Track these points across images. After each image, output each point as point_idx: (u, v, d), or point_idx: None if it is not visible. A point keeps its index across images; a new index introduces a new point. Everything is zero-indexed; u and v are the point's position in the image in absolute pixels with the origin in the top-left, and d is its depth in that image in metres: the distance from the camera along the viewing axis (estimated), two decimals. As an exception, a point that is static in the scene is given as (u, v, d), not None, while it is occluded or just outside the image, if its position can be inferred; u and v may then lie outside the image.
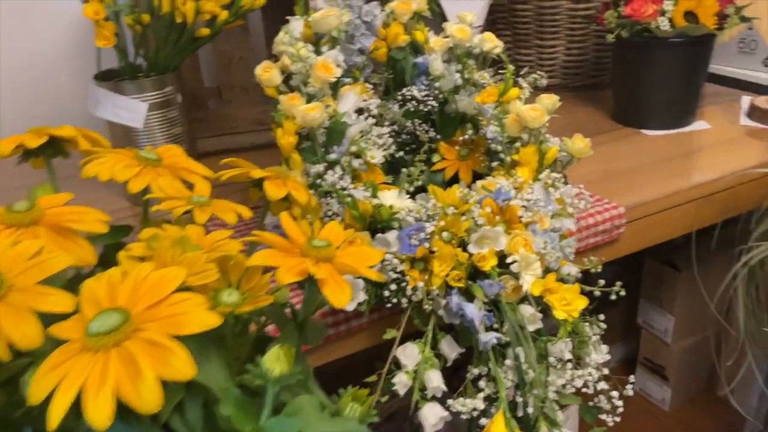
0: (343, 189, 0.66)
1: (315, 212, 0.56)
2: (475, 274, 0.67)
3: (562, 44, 1.32)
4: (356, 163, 0.69)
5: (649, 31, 1.05)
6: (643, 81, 1.11)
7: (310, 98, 0.70)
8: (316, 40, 0.76)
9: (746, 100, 1.21)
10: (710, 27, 1.03)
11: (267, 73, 0.74)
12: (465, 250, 0.67)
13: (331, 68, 0.69)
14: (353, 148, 0.70)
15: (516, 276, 0.66)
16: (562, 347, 0.66)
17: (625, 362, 1.55)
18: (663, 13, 1.04)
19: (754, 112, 1.14)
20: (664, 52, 1.07)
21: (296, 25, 0.77)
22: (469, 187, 0.78)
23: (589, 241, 0.87)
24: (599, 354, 0.68)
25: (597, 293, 0.70)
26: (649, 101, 1.13)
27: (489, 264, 0.66)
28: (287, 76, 0.75)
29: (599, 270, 0.73)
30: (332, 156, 0.68)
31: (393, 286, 0.66)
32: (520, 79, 0.82)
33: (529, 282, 0.66)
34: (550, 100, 0.77)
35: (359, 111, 0.79)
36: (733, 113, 1.19)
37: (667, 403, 1.38)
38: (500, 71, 0.83)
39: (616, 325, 1.48)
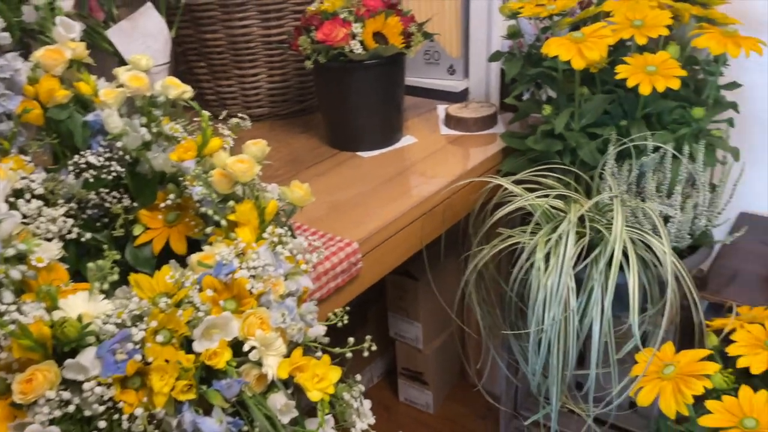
0: (0, 315, 0.48)
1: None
2: (209, 375, 0.55)
3: (264, 72, 1.26)
4: (17, 272, 0.51)
5: (345, 55, 1.04)
6: (349, 104, 1.10)
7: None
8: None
9: (442, 109, 1.29)
10: (399, 46, 1.06)
11: None
12: (190, 349, 0.54)
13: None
14: (10, 252, 0.52)
15: (258, 363, 0.56)
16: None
17: (386, 375, 1.57)
18: (354, 36, 1.04)
19: (450, 121, 1.21)
20: (362, 75, 1.07)
21: None
22: (183, 262, 0.65)
23: (330, 285, 0.81)
24: (364, 419, 0.62)
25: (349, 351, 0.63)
26: (358, 124, 1.12)
27: (222, 360, 0.54)
28: None
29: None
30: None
31: (102, 423, 0.50)
32: (221, 125, 0.72)
33: (274, 366, 0.56)
34: (258, 146, 0.69)
35: (17, 194, 0.61)
36: (433, 123, 1.25)
37: (431, 405, 1.43)
38: (195, 119, 0.72)
39: (373, 341, 1.48)
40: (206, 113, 0.69)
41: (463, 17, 1.35)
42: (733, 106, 1.00)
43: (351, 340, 0.64)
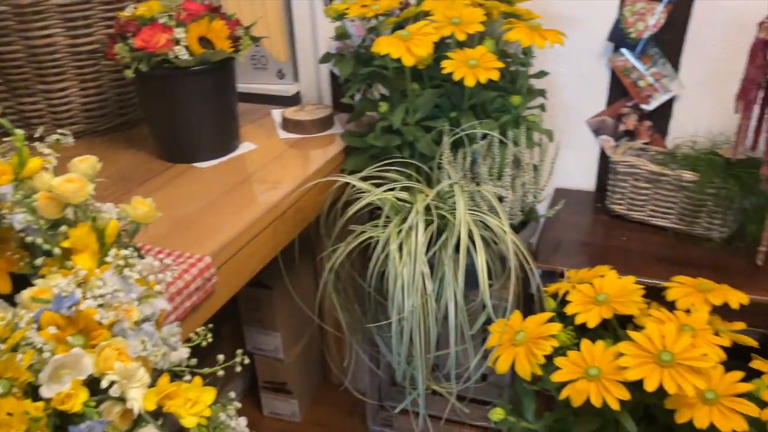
0: None
1: None
2: (64, 421, 0.49)
3: (74, 85, 1.14)
4: None
5: (170, 62, 0.98)
6: (180, 114, 1.04)
7: None
8: None
9: (277, 113, 1.27)
10: (228, 50, 1.03)
11: None
12: (37, 396, 0.48)
13: None
14: None
15: (120, 398, 0.51)
16: (205, 456, 0.54)
17: (247, 391, 1.51)
18: (177, 41, 0.98)
19: (287, 125, 1.20)
20: (191, 82, 1.02)
21: None
22: (11, 300, 0.57)
23: (186, 305, 0.76)
24: (244, 436, 0.60)
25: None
26: (192, 133, 1.06)
27: (78, 401, 0.49)
28: None
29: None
30: None
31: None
32: (37, 144, 0.64)
33: (139, 398, 0.52)
34: (87, 163, 0.62)
35: None
36: (270, 128, 1.23)
37: (297, 414, 1.41)
38: (4, 139, 0.63)
39: (228, 360, 1.42)
40: (20, 132, 0.61)
41: (286, 21, 1.34)
42: (542, 93, 1.11)
43: (220, 357, 0.60)
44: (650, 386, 0.71)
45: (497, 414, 0.86)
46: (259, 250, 0.92)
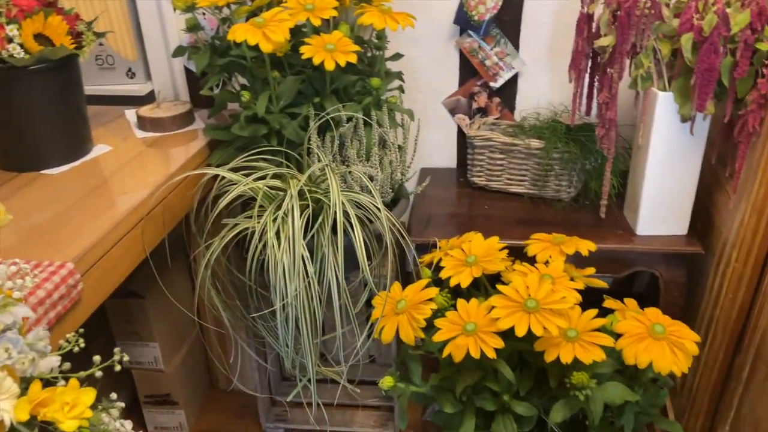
0: None
1: None
2: None
3: None
4: None
5: (4, 62, 0.90)
6: (21, 118, 0.96)
7: None
8: None
9: (132, 113, 1.21)
10: (69, 47, 0.96)
11: None
12: None
13: None
14: None
15: (-14, 413, 0.47)
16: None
17: (129, 409, 1.43)
18: (10, 39, 0.91)
19: (144, 123, 1.15)
20: (30, 82, 0.95)
21: None
22: None
23: (50, 315, 0.70)
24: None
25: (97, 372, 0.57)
26: (36, 138, 0.99)
27: (-64, 421, 0.44)
28: None
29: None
30: None
31: None
32: None
33: (10, 409, 0.48)
34: None
35: None
36: (126, 128, 1.17)
37: (185, 425, 1.35)
38: None
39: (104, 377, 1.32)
40: None
41: (132, 17, 1.28)
42: (399, 75, 1.16)
43: (97, 358, 0.57)
44: (520, 332, 0.77)
45: (387, 382, 0.89)
46: (127, 252, 0.87)
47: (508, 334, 0.90)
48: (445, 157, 1.37)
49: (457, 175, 1.34)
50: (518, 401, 0.86)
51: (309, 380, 1.02)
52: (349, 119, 1.02)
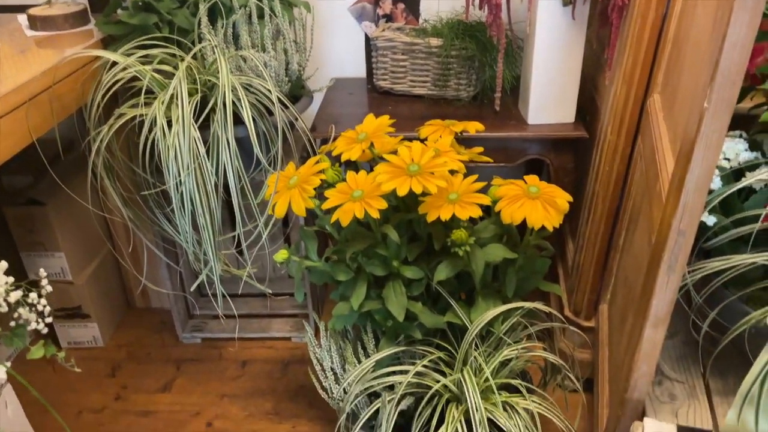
0: None
1: None
2: None
3: None
4: None
5: None
6: None
7: None
8: None
9: (23, 17, 1.17)
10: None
11: None
12: None
13: None
14: None
15: None
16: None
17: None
18: None
19: (34, 22, 1.11)
20: None
21: None
22: None
23: None
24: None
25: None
26: None
27: None
28: None
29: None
30: None
31: None
32: None
33: None
34: None
35: None
36: (15, 29, 1.13)
37: (99, 338, 1.34)
38: None
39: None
40: None
41: None
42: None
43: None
44: (402, 191, 0.81)
45: (281, 255, 0.91)
46: (11, 133, 0.86)
47: (398, 208, 0.94)
48: (355, 67, 1.38)
49: (366, 83, 1.36)
50: (407, 266, 0.90)
51: (212, 270, 1.04)
52: (243, 6, 1.01)
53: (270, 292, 1.18)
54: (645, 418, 0.65)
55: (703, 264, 0.66)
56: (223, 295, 1.36)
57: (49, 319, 0.74)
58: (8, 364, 0.72)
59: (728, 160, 0.73)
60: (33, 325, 0.68)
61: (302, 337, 1.37)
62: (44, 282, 0.73)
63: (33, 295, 0.67)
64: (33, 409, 0.90)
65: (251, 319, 1.41)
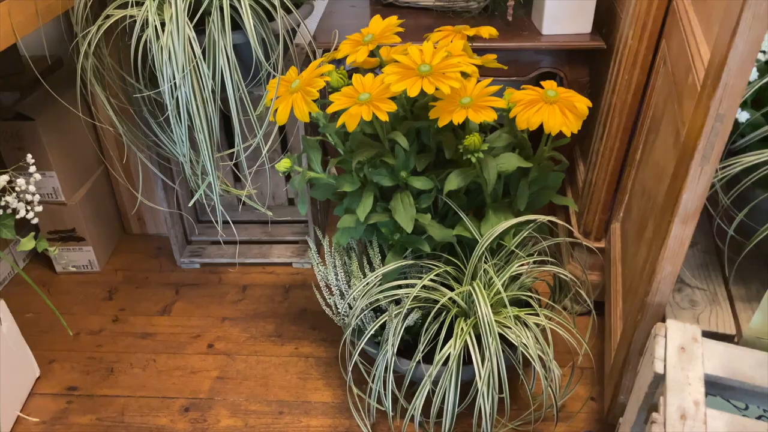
0: None
1: None
2: None
3: None
4: None
5: None
6: None
7: None
8: None
9: None
10: None
11: None
12: None
13: None
14: None
15: None
16: None
17: (33, 255, 1.37)
18: None
19: None
20: None
21: None
22: None
23: None
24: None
25: None
26: None
27: None
28: None
29: None
30: None
31: None
32: None
33: None
34: None
35: None
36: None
37: (95, 262, 1.31)
38: None
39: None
40: None
41: None
42: None
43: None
44: (413, 92, 0.76)
45: (284, 164, 0.87)
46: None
47: (406, 118, 0.89)
48: (359, -20, 1.31)
49: (370, -4, 1.29)
50: (416, 177, 0.86)
51: (210, 187, 0.99)
52: None
53: (271, 214, 1.14)
54: (667, 320, 0.62)
55: (736, 159, 0.62)
56: (224, 222, 1.33)
57: (38, 208, 0.70)
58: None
59: (764, 52, 0.68)
60: (22, 213, 0.64)
61: (304, 263, 1.34)
62: (32, 169, 0.69)
63: (20, 181, 0.63)
64: (29, 331, 0.87)
65: (251, 246, 1.37)
